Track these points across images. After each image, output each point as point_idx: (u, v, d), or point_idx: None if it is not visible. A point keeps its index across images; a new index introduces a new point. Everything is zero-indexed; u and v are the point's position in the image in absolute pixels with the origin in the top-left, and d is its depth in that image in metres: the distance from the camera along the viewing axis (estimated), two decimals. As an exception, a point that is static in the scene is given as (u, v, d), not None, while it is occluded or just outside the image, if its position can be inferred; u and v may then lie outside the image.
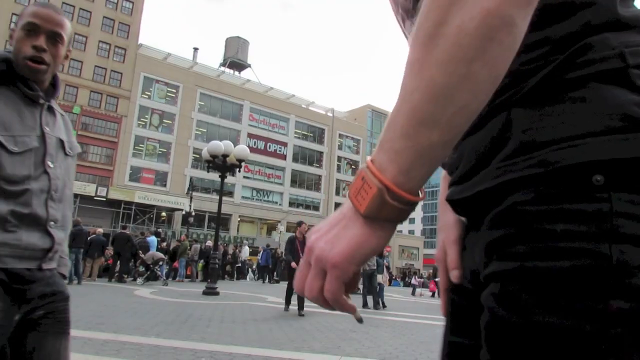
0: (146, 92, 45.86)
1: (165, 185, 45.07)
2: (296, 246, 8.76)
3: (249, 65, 60.48)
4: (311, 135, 56.69)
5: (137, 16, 47.04)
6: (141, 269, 15.24)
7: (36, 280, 1.38)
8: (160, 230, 25.03)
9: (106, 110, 42.81)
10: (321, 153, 56.92)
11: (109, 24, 45.07)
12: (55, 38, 1.38)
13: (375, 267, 11.25)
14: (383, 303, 11.49)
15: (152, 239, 16.54)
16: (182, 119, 47.14)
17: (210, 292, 11.49)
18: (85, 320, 6.17)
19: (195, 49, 54.84)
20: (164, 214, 42.72)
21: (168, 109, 46.76)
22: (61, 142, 1.48)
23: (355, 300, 8.08)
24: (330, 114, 59.04)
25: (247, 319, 7.63)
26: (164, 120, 46.63)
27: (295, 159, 54.02)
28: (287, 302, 8.98)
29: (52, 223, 1.40)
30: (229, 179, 13.00)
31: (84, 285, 12.30)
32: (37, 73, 1.37)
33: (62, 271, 1.53)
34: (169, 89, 47.20)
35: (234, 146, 12.25)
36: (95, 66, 43.26)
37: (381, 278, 11.53)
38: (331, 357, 4.87)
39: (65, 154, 1.49)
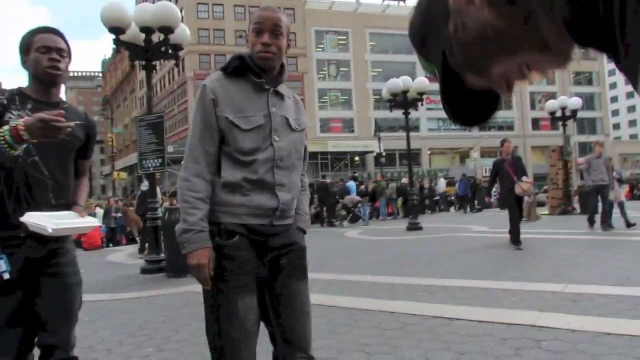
0: (319, 45, 47.66)
1: (353, 131, 47.01)
2: (505, 168, 7.34)
3: (414, -10, 57.16)
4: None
5: (298, -27, 48.46)
6: (343, 212, 16.43)
7: (273, 234, 1.69)
8: (356, 174, 26.38)
9: (289, 71, 45.94)
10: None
11: (276, -12, 47.57)
12: (275, 32, 1.67)
13: (607, 182, 9.19)
14: (627, 222, 9.27)
15: (351, 184, 17.53)
16: (357, 63, 47.78)
17: (414, 227, 11.73)
18: (310, 263, 6.96)
19: (357, -12, 54.12)
20: (356, 158, 44.89)
21: (342, 57, 47.90)
22: (286, 119, 1.74)
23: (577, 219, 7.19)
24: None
25: (455, 250, 7.54)
26: (341, 69, 48.05)
27: (479, 79, 49.95)
28: (516, 237, 7.28)
29: (278, 187, 1.68)
30: (413, 114, 12.74)
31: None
32: (267, 61, 1.68)
33: (301, 226, 1.83)
34: (339, 37, 48.13)
35: (412, 80, 11.87)
36: (274, 32, 46.57)
37: (612, 194, 9.36)
38: (554, 285, 4.44)
39: (292, 129, 1.76)
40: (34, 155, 1.78)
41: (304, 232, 1.85)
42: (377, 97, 45.99)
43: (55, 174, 1.85)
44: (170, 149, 7.87)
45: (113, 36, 6.62)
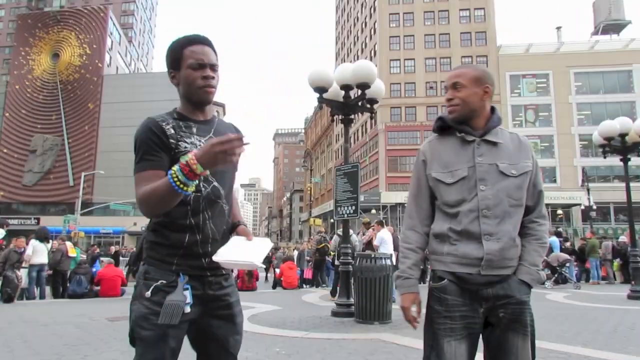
0: (515, 91, 45.07)
1: (555, 181, 42.31)
2: None
3: (629, 22, 50.24)
4: None
5: (491, 20, 47.46)
6: (546, 271, 14.54)
7: (484, 284, 1.69)
8: (560, 229, 23.41)
9: (480, 119, 44.53)
10: None
11: (467, 38, 47.36)
12: (455, 86, 1.79)
13: None
14: None
15: (554, 240, 15.57)
16: (559, 107, 43.59)
17: (637, 296, 9.72)
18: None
19: (558, 28, 50.01)
20: (559, 211, 39.94)
21: (541, 101, 44.35)
22: (496, 166, 1.74)
23: None
24: None
25: None
26: (540, 114, 44.37)
27: None
28: None
29: (486, 236, 1.68)
30: (633, 160, 10.86)
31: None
32: (451, 114, 1.81)
33: (523, 278, 1.72)
34: (538, 80, 44.83)
35: (633, 122, 10.20)
36: (463, 82, 46.03)
37: None
38: None
39: (505, 175, 1.73)
40: (213, 181, 1.65)
41: (528, 285, 1.73)
42: (584, 142, 40.93)
43: (227, 196, 1.72)
44: (361, 198, 8.24)
45: (317, 95, 7.43)
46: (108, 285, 10.76)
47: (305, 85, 7.53)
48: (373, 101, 7.66)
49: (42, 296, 10.29)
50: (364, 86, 7.20)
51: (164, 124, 1.62)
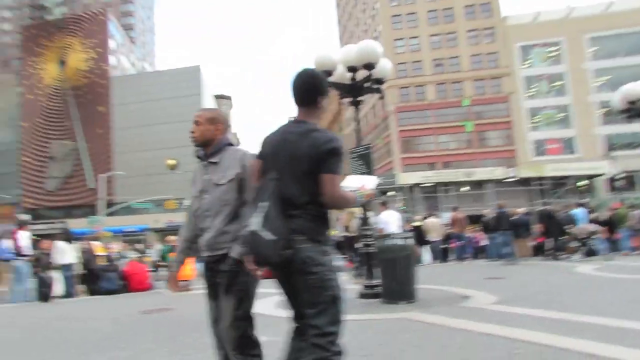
0: (526, 62, 44.13)
1: (574, 152, 41.54)
2: None
3: (644, -20, 48.58)
4: None
5: (497, -9, 46.35)
6: (573, 244, 14.28)
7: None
8: (585, 200, 22.92)
9: (493, 93, 43.79)
10: None
11: (471, 11, 46.37)
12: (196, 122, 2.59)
13: None
14: None
15: (578, 212, 15.27)
16: (575, 74, 42.58)
17: (670, 261, 9.51)
18: (534, 298, 6.28)
19: (568, -6, 48.69)
20: (582, 182, 39.22)
21: (554, 70, 43.34)
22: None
23: None
24: None
25: None
26: (554, 84, 43.43)
27: None
28: None
29: None
30: (658, 124, 10.56)
31: (522, 265, 12.56)
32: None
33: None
34: (549, 49, 43.79)
35: (655, 82, 9.91)
36: (471, 55, 45.21)
37: None
38: None
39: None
40: None
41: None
42: (605, 109, 39.94)
43: None
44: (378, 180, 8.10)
45: (325, 79, 7.38)
46: (136, 280, 11.01)
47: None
48: (380, 81, 7.58)
49: (72, 294, 10.54)
50: (369, 66, 7.14)
51: None
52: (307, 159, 2.03)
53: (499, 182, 38.24)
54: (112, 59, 58.36)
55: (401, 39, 47.46)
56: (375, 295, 6.88)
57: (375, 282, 7.04)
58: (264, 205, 1.97)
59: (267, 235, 1.91)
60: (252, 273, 2.11)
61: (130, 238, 42.12)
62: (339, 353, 2.01)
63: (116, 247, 16.09)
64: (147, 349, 4.42)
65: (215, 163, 2.49)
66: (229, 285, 2.31)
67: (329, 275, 2.05)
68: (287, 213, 2.00)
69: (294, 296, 2.12)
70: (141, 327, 5.75)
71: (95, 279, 11.28)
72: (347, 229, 12.55)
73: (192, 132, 2.53)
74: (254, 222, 1.95)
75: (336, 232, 12.95)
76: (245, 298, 2.34)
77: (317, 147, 2.03)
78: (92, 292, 11.20)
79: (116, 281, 10.97)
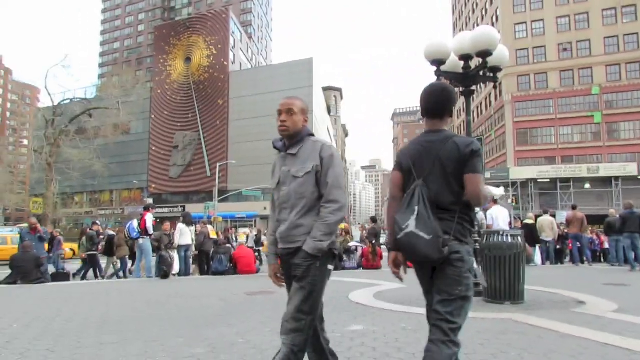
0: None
1: None
2: None
3: None
4: None
5: (639, -37, 40.77)
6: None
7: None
8: None
9: (629, 79, 38.84)
10: None
11: (609, -13, 41.40)
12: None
13: None
14: None
15: None
16: None
17: None
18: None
19: None
20: None
21: None
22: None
23: None
24: None
25: None
26: None
27: None
28: None
29: None
30: None
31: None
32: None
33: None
34: None
35: None
36: (605, 37, 40.47)
37: None
38: None
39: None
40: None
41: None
42: None
43: None
44: (487, 174, 7.69)
45: (434, 68, 7.07)
46: (244, 263, 11.71)
47: (421, 60, 7.20)
48: (496, 69, 7.08)
49: (187, 273, 11.55)
50: (485, 54, 6.66)
51: None
52: (452, 162, 2.21)
53: (628, 180, 34.01)
54: (230, 55, 62.39)
55: (522, 22, 44.01)
56: (477, 294, 6.53)
57: (476, 280, 6.69)
58: (415, 208, 2.16)
59: (425, 235, 2.09)
60: (393, 273, 2.29)
61: (241, 224, 45.12)
62: (457, 344, 2.14)
63: (231, 232, 17.35)
64: (252, 327, 4.67)
65: (293, 154, 2.45)
66: (300, 278, 2.30)
67: (467, 274, 2.18)
68: (437, 216, 2.17)
69: (432, 290, 2.27)
70: (247, 307, 6.10)
71: (207, 260, 12.23)
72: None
73: (284, 122, 2.44)
74: (410, 224, 2.13)
75: None
76: (313, 293, 2.28)
77: (460, 150, 2.21)
78: (204, 271, 12.17)
79: (226, 263, 11.79)
